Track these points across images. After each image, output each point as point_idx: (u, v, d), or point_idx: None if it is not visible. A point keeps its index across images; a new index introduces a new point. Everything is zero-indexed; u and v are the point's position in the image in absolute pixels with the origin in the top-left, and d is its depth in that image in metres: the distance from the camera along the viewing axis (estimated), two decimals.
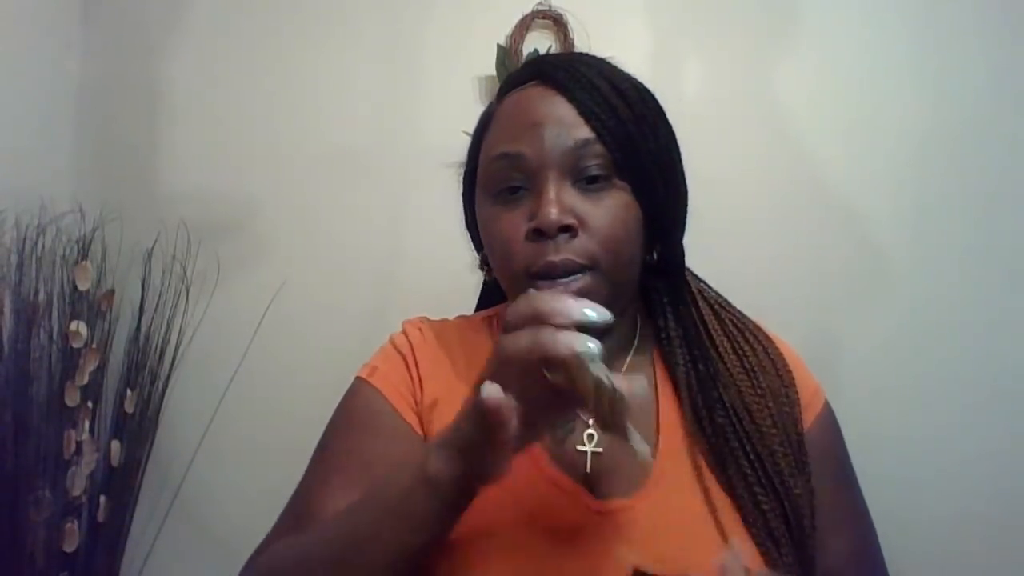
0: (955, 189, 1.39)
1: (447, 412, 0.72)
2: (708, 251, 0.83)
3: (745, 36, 1.45)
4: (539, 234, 0.70)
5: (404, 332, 0.83)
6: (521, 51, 1.45)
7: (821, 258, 1.41)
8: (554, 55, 0.83)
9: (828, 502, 0.71)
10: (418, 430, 0.75)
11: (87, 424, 1.44)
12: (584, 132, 0.71)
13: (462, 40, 1.52)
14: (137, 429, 1.51)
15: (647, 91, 0.77)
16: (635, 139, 0.73)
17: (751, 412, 0.73)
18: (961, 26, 1.39)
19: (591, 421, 0.73)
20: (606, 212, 0.71)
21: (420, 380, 0.78)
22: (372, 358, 0.82)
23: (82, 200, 1.59)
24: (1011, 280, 1.36)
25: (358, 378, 0.80)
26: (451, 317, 0.89)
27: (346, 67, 1.57)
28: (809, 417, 0.75)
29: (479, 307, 0.94)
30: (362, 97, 1.56)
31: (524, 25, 1.46)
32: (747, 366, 0.76)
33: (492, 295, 0.90)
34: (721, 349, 0.77)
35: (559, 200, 0.70)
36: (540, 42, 1.46)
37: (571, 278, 0.69)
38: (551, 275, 0.69)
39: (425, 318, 0.85)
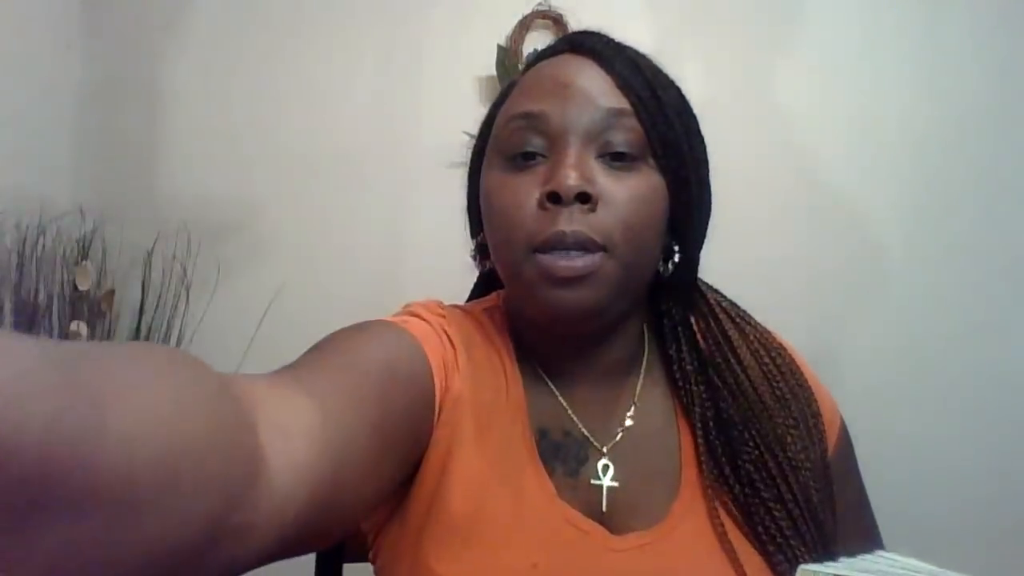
0: (953, 189, 1.39)
1: (465, 411, 0.64)
2: (705, 250, 0.82)
3: (745, 37, 1.45)
4: (553, 200, 0.61)
5: (428, 308, 0.69)
6: (521, 51, 1.45)
7: (819, 257, 1.41)
8: (588, 30, 0.71)
9: (843, 523, 0.68)
10: (436, 404, 0.63)
11: None
12: (619, 102, 0.64)
13: (462, 41, 1.52)
14: None
15: (678, 85, 0.69)
16: (672, 122, 0.65)
17: (784, 446, 0.65)
18: (960, 27, 1.39)
19: (606, 449, 0.67)
20: (631, 191, 0.62)
21: (457, 360, 0.66)
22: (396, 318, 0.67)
23: (82, 201, 1.59)
24: (1007, 279, 1.37)
25: (377, 321, 0.65)
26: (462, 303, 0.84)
27: (346, 68, 1.57)
28: (831, 441, 0.69)
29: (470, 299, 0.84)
30: (362, 98, 1.56)
31: (524, 25, 1.46)
32: (779, 393, 0.68)
33: (485, 290, 0.79)
34: (751, 374, 0.68)
35: (580, 166, 0.62)
36: (540, 42, 1.46)
37: (578, 254, 0.60)
38: (558, 246, 0.60)
39: (440, 302, 0.73)
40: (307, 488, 0.43)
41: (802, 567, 0.57)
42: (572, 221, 0.61)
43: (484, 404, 0.65)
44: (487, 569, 0.59)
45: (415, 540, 0.62)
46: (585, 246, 0.61)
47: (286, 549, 0.44)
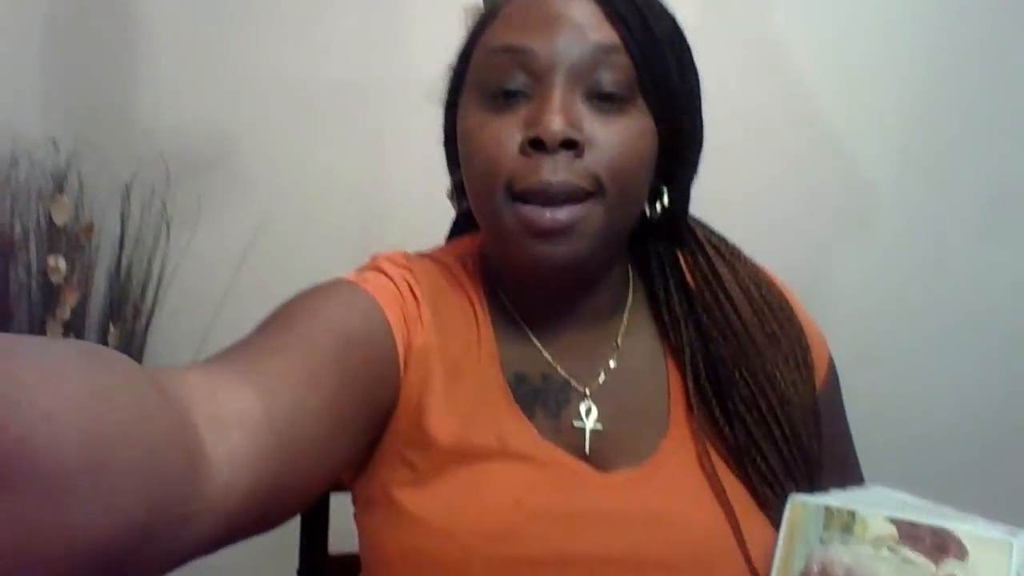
0: (944, 124, 1.38)
1: (432, 368, 0.63)
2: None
3: None
4: (536, 146, 0.58)
5: (391, 261, 0.68)
6: None
7: (809, 189, 1.41)
8: None
9: (827, 458, 0.67)
10: (400, 361, 0.62)
11: None
12: (608, 37, 0.60)
13: None
14: None
15: (673, 14, 0.66)
16: (665, 56, 0.62)
17: (774, 384, 0.64)
18: None
19: (588, 392, 0.66)
20: (619, 135, 0.60)
21: (420, 313, 0.64)
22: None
23: (54, 133, 1.54)
24: (994, 215, 1.38)
25: (336, 281, 0.64)
26: (438, 248, 0.83)
27: None
28: (820, 376, 0.68)
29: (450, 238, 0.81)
30: (345, 27, 1.52)
31: None
32: (769, 330, 0.66)
33: (465, 229, 0.76)
34: (741, 311, 0.66)
35: (565, 109, 0.59)
36: None
37: (563, 205, 0.58)
38: (542, 199, 0.58)
39: (405, 253, 0.71)
40: (249, 478, 0.43)
41: (794, 497, 0.58)
42: (557, 170, 0.58)
43: (453, 355, 0.64)
44: (468, 508, 0.59)
45: (392, 488, 0.61)
46: (571, 195, 0.59)
47: (235, 534, 0.44)
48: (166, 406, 0.38)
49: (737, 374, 0.65)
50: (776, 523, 0.59)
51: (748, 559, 0.59)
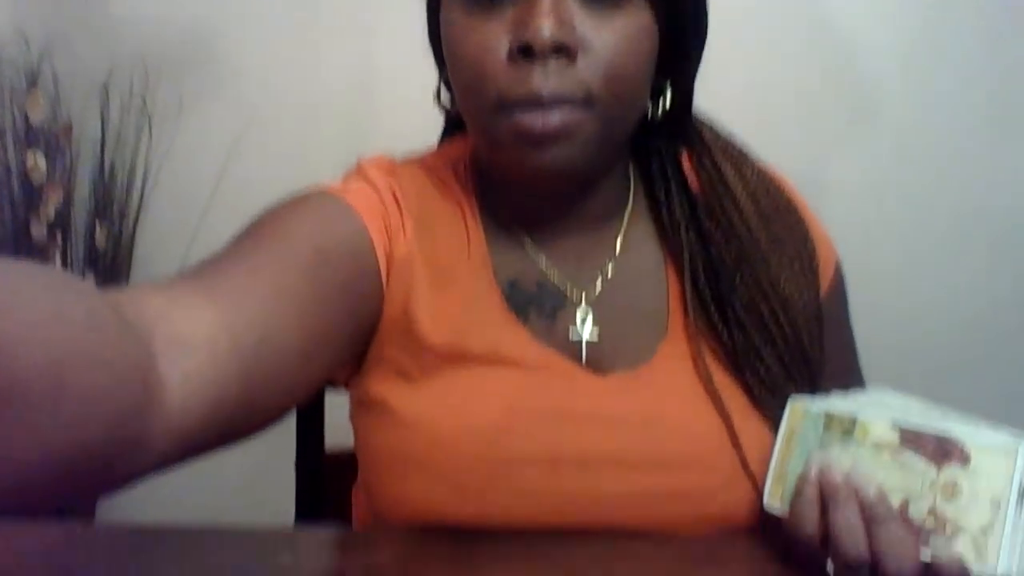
0: (951, 25, 1.34)
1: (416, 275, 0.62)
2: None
3: None
4: (526, 53, 0.55)
5: (377, 167, 0.66)
6: None
7: (812, 86, 1.37)
8: None
9: (829, 364, 0.66)
10: (381, 273, 0.61)
11: (58, 258, 1.41)
12: None
13: None
14: (111, 265, 1.48)
15: None
16: None
17: (778, 289, 0.63)
18: None
19: (585, 299, 0.64)
20: (616, 37, 0.56)
21: (403, 222, 0.63)
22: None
23: (24, 26, 1.47)
24: (997, 114, 1.36)
25: (317, 190, 0.62)
26: (429, 151, 0.81)
27: None
28: (825, 282, 0.67)
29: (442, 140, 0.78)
30: None
31: None
32: (774, 234, 0.64)
33: (457, 130, 0.73)
34: (747, 215, 0.64)
35: (556, 11, 0.55)
36: None
37: (555, 108, 0.55)
38: (533, 106, 0.55)
39: (392, 159, 0.69)
40: (208, 401, 0.43)
41: (794, 400, 0.57)
42: (548, 78, 0.55)
43: (442, 263, 0.63)
44: (461, 411, 0.59)
45: (385, 392, 0.61)
46: (564, 102, 0.56)
47: (196, 452, 0.45)
48: (125, 330, 0.38)
49: (738, 278, 0.63)
50: (775, 426, 0.59)
51: (743, 461, 0.59)
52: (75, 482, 0.35)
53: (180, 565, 0.54)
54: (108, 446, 0.36)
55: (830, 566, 0.49)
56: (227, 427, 0.46)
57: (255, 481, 1.28)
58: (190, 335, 0.43)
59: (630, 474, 0.59)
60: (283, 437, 0.85)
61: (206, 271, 0.51)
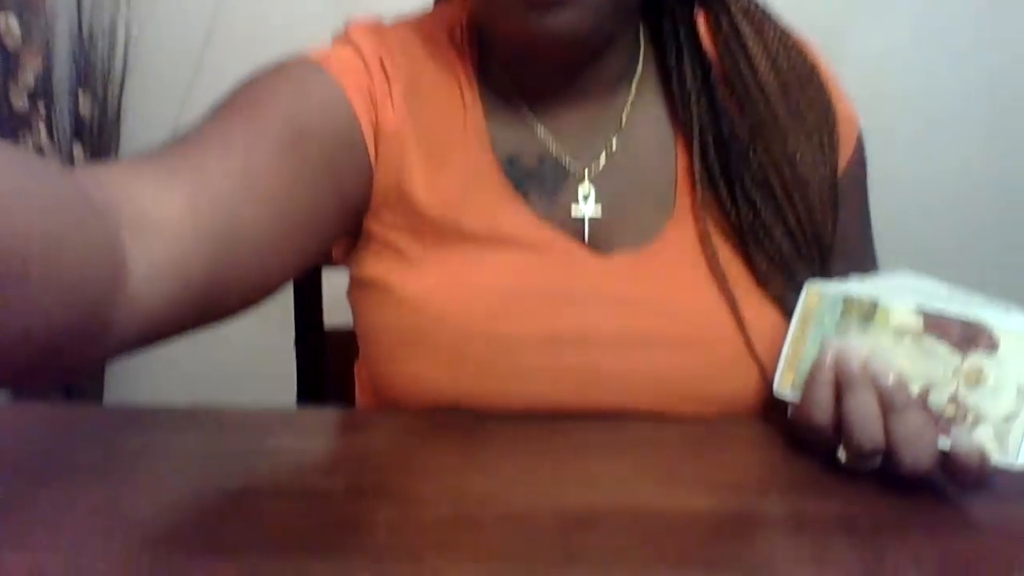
0: None
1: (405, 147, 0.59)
2: None
3: None
4: None
5: (365, 31, 0.62)
6: None
7: None
8: None
9: (842, 243, 0.62)
10: (368, 148, 0.58)
11: (43, 129, 1.37)
12: None
13: None
14: (98, 134, 1.44)
15: None
16: None
17: (793, 163, 0.59)
18: None
19: (588, 174, 0.61)
20: None
21: (391, 91, 0.59)
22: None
23: None
24: None
25: (297, 59, 0.59)
26: (423, 12, 0.74)
27: None
28: (845, 154, 0.63)
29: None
30: None
31: None
32: (794, 105, 0.60)
33: None
34: (766, 84, 0.60)
35: None
36: None
37: None
38: None
39: (382, 23, 0.65)
40: (175, 285, 0.43)
41: (811, 283, 0.54)
42: None
43: (434, 136, 0.60)
44: (460, 291, 0.58)
45: (382, 272, 0.60)
46: None
47: (164, 335, 0.45)
48: (91, 212, 0.37)
49: (752, 152, 0.59)
50: (784, 310, 0.57)
51: (748, 342, 0.58)
52: (38, 363, 0.35)
53: (178, 445, 0.53)
54: (73, 329, 0.36)
55: (842, 454, 0.47)
56: (195, 311, 0.46)
57: (258, 361, 1.28)
58: (157, 218, 0.42)
59: (631, 354, 0.57)
60: (286, 314, 0.84)
61: (175, 151, 0.49)
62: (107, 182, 0.41)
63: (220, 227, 0.46)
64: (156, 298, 0.41)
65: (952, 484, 0.45)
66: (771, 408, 0.57)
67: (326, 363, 0.85)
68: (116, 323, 0.39)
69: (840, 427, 0.47)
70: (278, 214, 0.51)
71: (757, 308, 0.59)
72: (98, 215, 0.38)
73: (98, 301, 0.37)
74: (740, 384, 0.58)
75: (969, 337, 0.45)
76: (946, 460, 0.44)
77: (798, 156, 0.59)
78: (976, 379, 0.44)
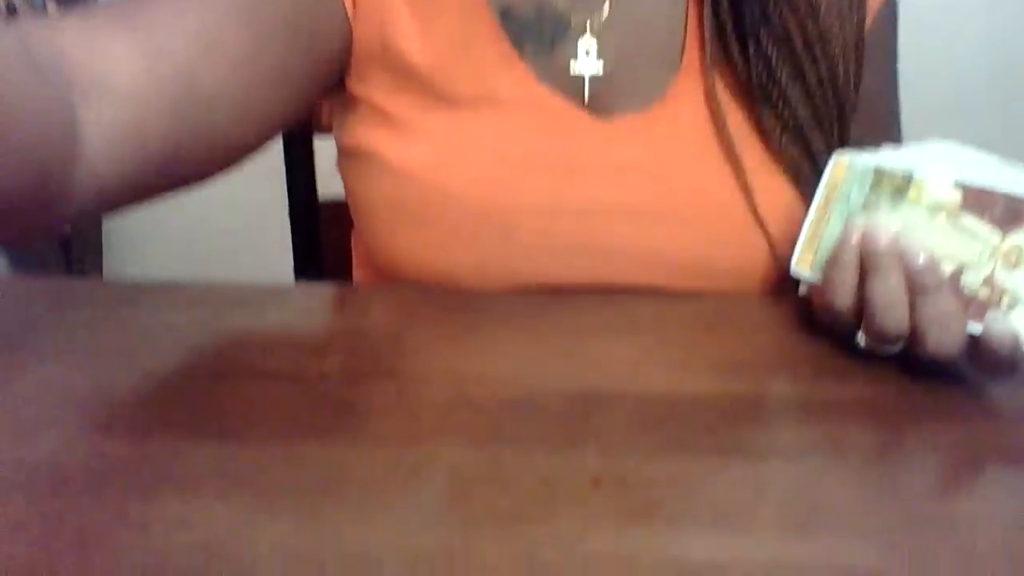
0: None
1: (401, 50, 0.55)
2: None
3: None
4: None
5: None
6: None
7: None
8: None
9: (866, 106, 0.57)
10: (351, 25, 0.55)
11: None
12: None
13: None
14: None
15: None
16: None
17: (818, 17, 0.54)
18: None
19: (589, 26, 0.56)
20: None
21: None
22: None
23: None
24: None
25: None
26: None
27: None
28: (873, 10, 0.57)
29: None
30: None
31: None
32: None
33: None
34: None
35: None
36: None
37: None
38: None
39: None
40: (132, 148, 0.42)
41: (839, 154, 0.50)
42: None
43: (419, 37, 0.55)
44: (453, 159, 0.55)
45: (372, 139, 0.56)
46: None
47: (121, 201, 0.44)
48: (42, 75, 0.36)
49: (772, 5, 0.54)
50: (796, 179, 0.54)
51: (756, 214, 0.54)
52: None
53: (167, 322, 0.51)
54: (25, 191, 0.35)
55: (861, 338, 0.45)
56: (154, 176, 0.45)
57: (256, 234, 1.26)
58: (112, 81, 0.41)
59: (633, 226, 0.55)
60: (275, 188, 0.81)
61: (130, 6, 0.46)
62: (58, 42, 0.40)
63: (177, 90, 0.44)
64: (113, 163, 0.41)
65: (980, 371, 0.43)
66: (782, 283, 0.54)
67: (322, 236, 0.82)
68: (72, 187, 0.38)
69: (861, 310, 0.44)
70: (238, 78, 0.48)
71: (769, 177, 0.55)
72: (50, 78, 0.37)
73: (51, 164, 0.37)
74: (748, 259, 0.55)
75: (1013, 214, 0.41)
76: (975, 346, 0.42)
77: (823, 9, 0.54)
78: (1016, 260, 0.41)
